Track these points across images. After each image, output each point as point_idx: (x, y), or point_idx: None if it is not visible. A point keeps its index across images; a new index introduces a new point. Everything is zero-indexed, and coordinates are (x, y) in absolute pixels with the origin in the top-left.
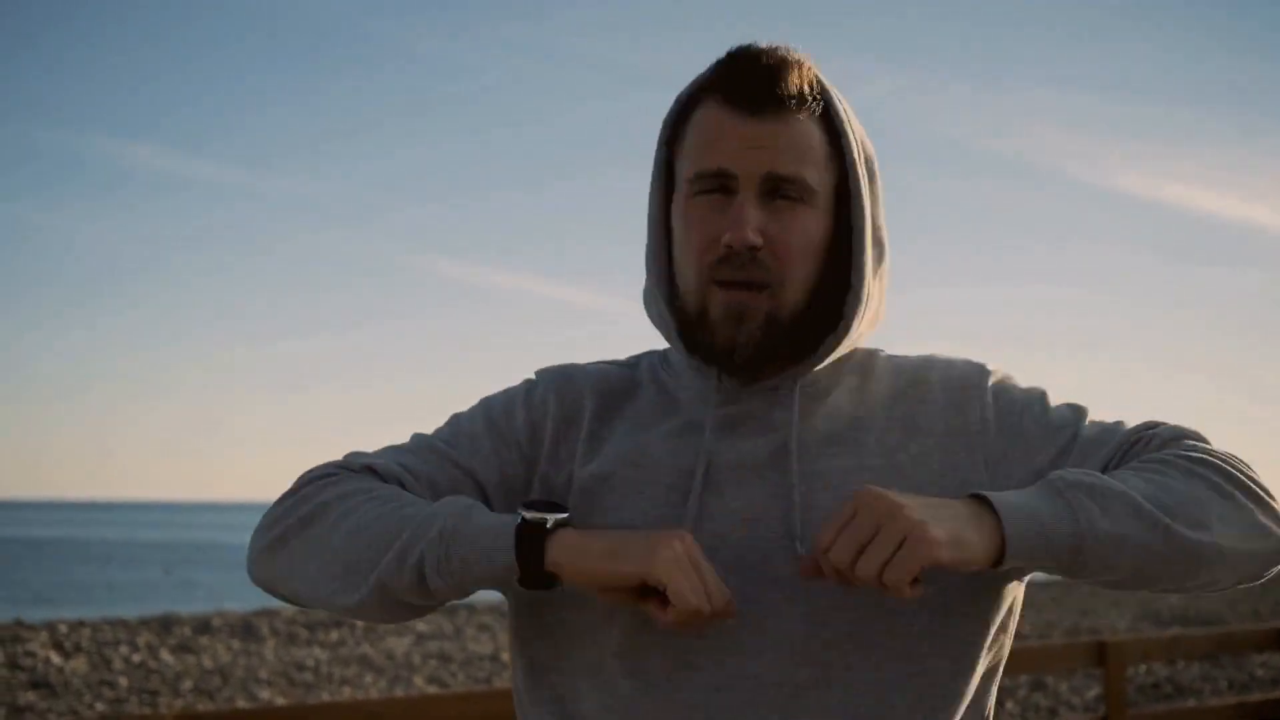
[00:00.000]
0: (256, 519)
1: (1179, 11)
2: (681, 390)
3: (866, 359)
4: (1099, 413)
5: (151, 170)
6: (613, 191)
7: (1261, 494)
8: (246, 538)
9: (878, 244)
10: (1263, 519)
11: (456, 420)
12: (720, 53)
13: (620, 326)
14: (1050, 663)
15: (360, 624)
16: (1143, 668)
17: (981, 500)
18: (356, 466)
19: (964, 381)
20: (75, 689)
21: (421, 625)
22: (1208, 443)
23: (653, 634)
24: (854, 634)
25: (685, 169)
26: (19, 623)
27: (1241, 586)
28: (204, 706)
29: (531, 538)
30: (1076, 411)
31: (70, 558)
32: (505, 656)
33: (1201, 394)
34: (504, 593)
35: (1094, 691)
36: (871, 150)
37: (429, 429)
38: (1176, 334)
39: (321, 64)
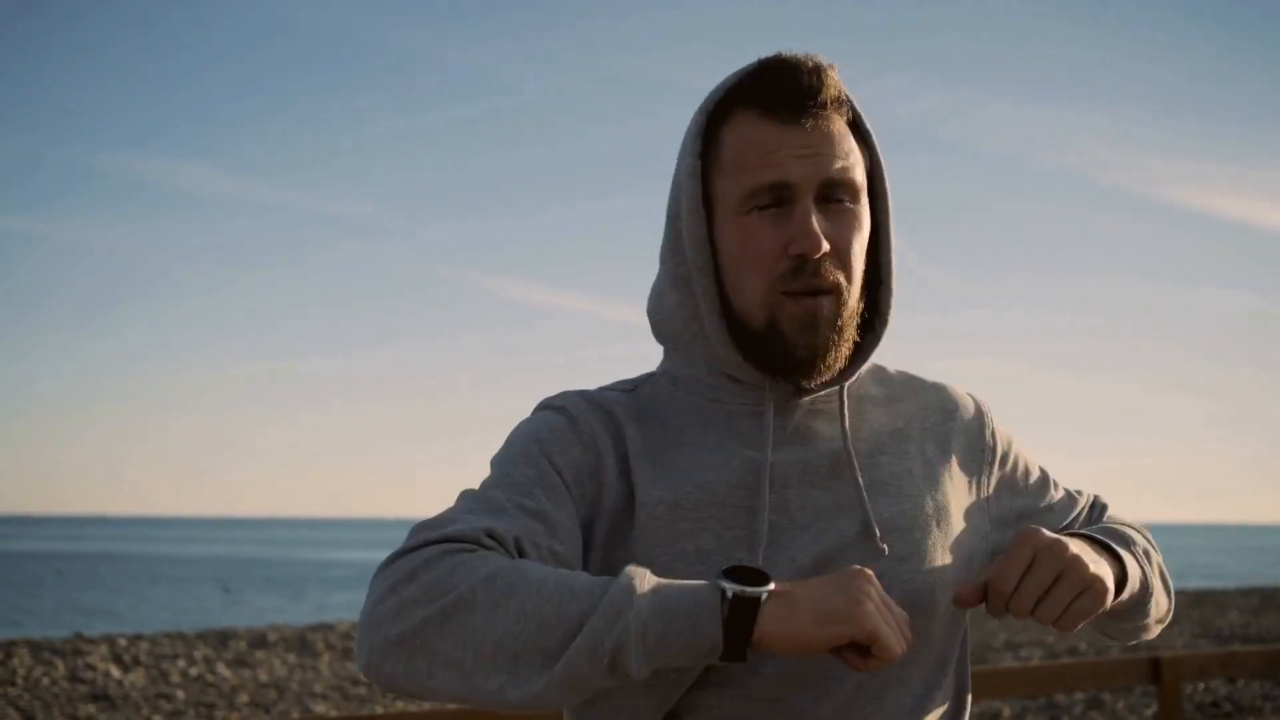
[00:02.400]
0: (286, 534)
1: (1217, 34)
2: (721, 405)
3: (879, 370)
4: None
5: (166, 183)
6: (653, 208)
7: None
8: (287, 553)
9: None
10: None
11: (507, 467)
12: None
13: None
14: (1104, 679)
15: None
16: (1201, 685)
17: (1098, 543)
18: (466, 538)
19: (978, 412)
20: (134, 702)
21: None
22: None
23: None
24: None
25: (733, 186)
26: (79, 636)
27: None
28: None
29: (744, 613)
30: (1043, 470)
31: (103, 573)
32: None
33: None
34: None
35: (1152, 710)
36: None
37: (459, 450)
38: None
39: (348, 77)
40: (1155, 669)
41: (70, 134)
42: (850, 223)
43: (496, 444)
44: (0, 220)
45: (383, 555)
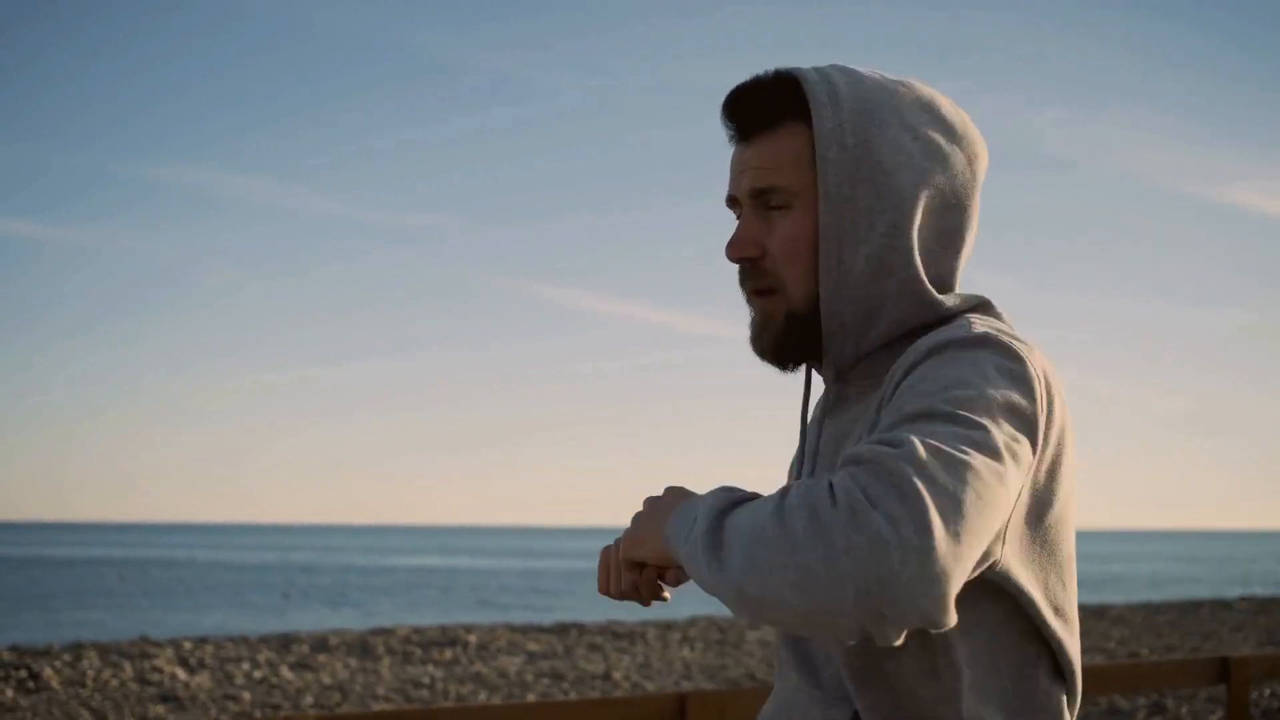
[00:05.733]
0: (327, 540)
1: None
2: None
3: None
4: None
5: (180, 187)
6: (693, 214)
7: (846, 546)
8: (333, 560)
9: (888, 235)
10: (822, 573)
11: None
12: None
13: (697, 349)
14: (1170, 680)
15: (473, 643)
16: (1267, 691)
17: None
18: None
19: (909, 357)
20: (201, 703)
21: (532, 645)
22: (899, 474)
23: None
24: None
25: None
26: (145, 639)
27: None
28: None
29: None
30: (930, 416)
31: (157, 579)
32: (616, 675)
33: None
34: None
35: (1216, 715)
36: (889, 145)
37: (495, 458)
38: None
39: (375, 81)
40: (1224, 669)
41: (79, 138)
42: (785, 226)
43: (530, 452)
44: (8, 225)
45: (431, 562)
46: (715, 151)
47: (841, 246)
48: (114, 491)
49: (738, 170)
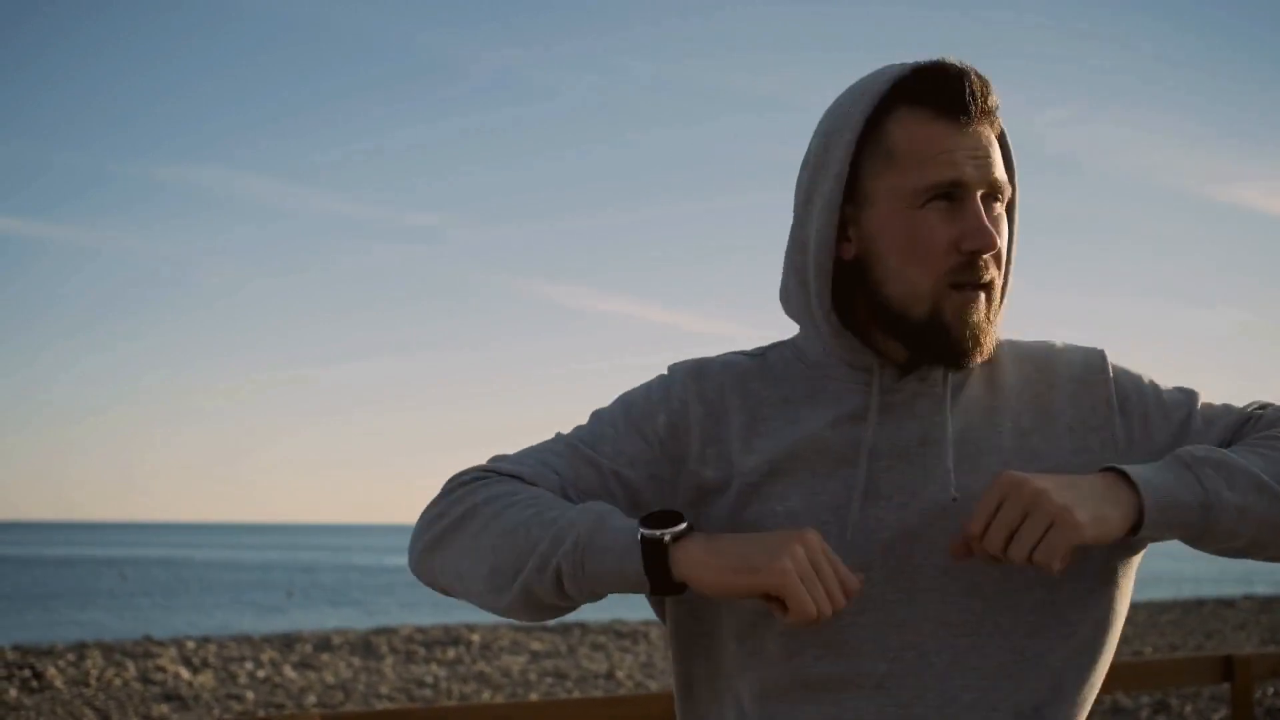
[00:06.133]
0: (329, 540)
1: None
2: (831, 381)
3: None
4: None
5: (181, 186)
6: (695, 213)
7: None
8: (333, 559)
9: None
10: None
11: (597, 419)
12: (823, 78)
13: (676, 339)
14: (1173, 678)
15: (476, 642)
16: (1271, 689)
17: (1117, 474)
18: (504, 470)
19: (1088, 367)
20: (205, 702)
21: (536, 644)
22: None
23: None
24: (1009, 603)
25: (903, 180)
26: (148, 639)
27: None
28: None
29: (654, 553)
30: (1187, 394)
31: (159, 578)
32: (619, 674)
33: None
34: (653, 604)
35: (1220, 715)
36: None
37: (525, 439)
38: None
39: (374, 80)
40: (1228, 667)
41: (79, 137)
42: (1003, 225)
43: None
44: (8, 225)
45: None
46: (715, 151)
47: (1012, 255)
48: (115, 491)
49: (968, 155)
